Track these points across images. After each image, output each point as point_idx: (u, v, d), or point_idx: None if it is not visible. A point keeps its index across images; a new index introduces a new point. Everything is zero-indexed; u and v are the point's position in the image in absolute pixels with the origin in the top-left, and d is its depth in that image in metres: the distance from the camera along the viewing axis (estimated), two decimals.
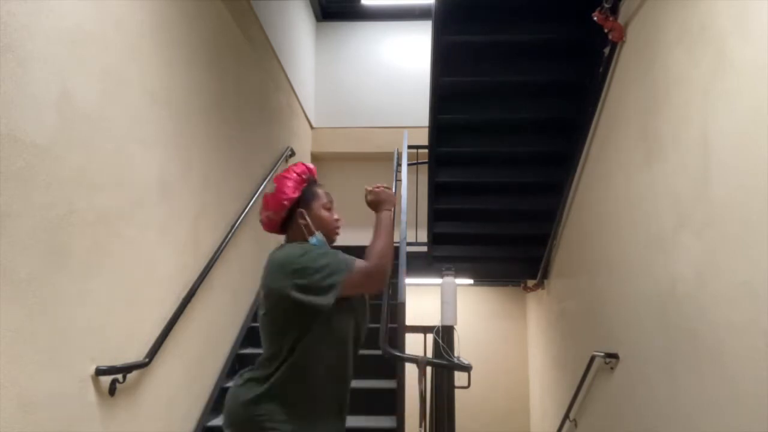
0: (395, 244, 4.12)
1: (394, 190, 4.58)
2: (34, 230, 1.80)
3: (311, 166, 1.80)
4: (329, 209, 1.76)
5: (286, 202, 1.69)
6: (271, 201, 1.70)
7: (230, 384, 3.46)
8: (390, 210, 1.74)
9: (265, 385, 1.56)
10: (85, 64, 2.10)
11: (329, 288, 1.52)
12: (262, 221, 1.76)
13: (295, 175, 1.72)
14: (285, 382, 1.56)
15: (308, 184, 1.75)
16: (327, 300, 1.52)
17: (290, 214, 1.71)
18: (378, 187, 1.78)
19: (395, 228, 4.37)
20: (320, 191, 1.77)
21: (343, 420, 1.69)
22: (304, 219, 1.69)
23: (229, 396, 1.66)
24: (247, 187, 4.18)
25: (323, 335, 1.58)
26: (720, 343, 2.09)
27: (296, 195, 1.70)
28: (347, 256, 1.59)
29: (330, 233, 1.74)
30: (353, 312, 1.66)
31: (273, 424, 1.53)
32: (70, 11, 2.00)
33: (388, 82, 7.26)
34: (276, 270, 1.58)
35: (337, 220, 1.78)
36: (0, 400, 1.65)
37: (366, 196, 1.77)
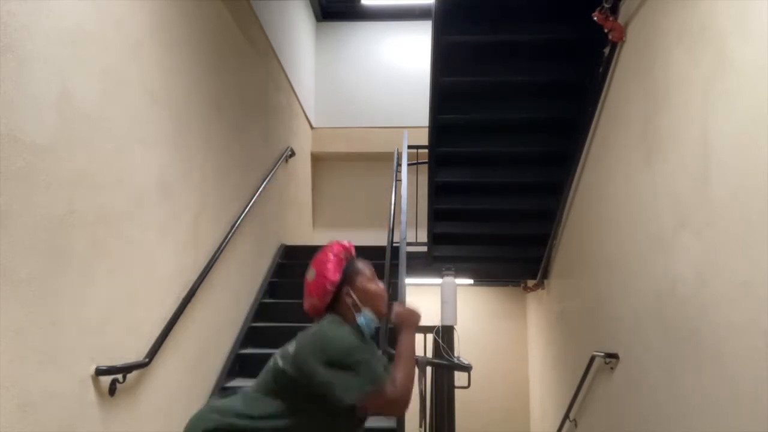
0: (395, 245, 4.12)
1: (394, 196, 4.59)
2: (34, 230, 1.80)
3: (347, 243, 1.75)
4: (374, 281, 1.72)
5: (329, 287, 1.64)
6: (314, 288, 1.65)
7: (230, 384, 3.48)
8: (412, 334, 1.70)
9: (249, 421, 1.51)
10: (85, 64, 2.10)
11: (348, 397, 1.47)
12: (306, 309, 1.70)
13: (332, 256, 1.68)
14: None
15: (347, 261, 1.71)
16: (340, 403, 1.47)
17: (335, 296, 1.67)
18: (404, 308, 1.75)
19: (396, 229, 4.38)
20: (360, 265, 1.72)
21: None
22: (351, 297, 1.65)
23: (203, 414, 1.59)
24: (248, 187, 4.18)
25: (318, 416, 1.53)
26: (720, 343, 2.09)
27: (338, 277, 1.66)
28: (382, 372, 1.52)
29: (379, 306, 1.70)
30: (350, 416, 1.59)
31: None
32: (70, 11, 2.00)
33: (388, 82, 7.26)
34: (319, 343, 1.54)
35: (383, 290, 1.73)
36: (0, 400, 1.65)
37: (392, 314, 1.74)
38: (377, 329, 1.68)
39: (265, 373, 1.61)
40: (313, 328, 1.60)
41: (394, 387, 1.52)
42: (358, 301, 1.65)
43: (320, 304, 1.66)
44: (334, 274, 1.65)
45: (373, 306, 1.68)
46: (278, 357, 1.60)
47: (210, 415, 1.56)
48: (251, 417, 1.52)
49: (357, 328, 1.63)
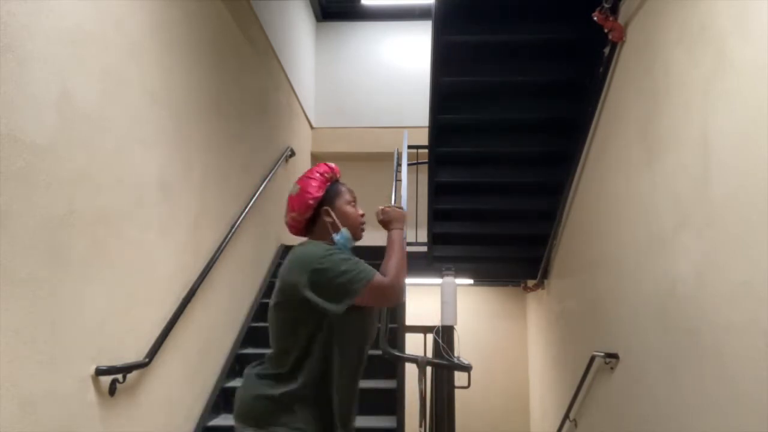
0: None
1: (394, 199, 4.59)
2: (34, 230, 1.80)
3: (333, 165, 1.80)
4: (353, 205, 1.79)
5: (311, 202, 1.70)
6: (296, 202, 1.71)
7: (230, 384, 3.48)
8: (401, 228, 1.78)
9: (281, 388, 1.55)
10: (85, 64, 2.10)
11: (344, 295, 1.53)
12: (287, 223, 1.76)
13: (318, 174, 1.74)
14: (302, 385, 1.54)
15: (331, 182, 1.77)
16: (338, 308, 1.52)
17: (315, 214, 1.73)
18: (388, 207, 1.82)
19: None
20: (343, 188, 1.79)
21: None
22: (330, 216, 1.71)
23: (242, 389, 1.65)
24: (248, 187, 4.18)
25: (338, 334, 1.58)
26: (720, 343, 2.09)
27: (321, 194, 1.72)
28: (368, 267, 1.59)
29: (355, 228, 1.76)
30: (364, 314, 1.66)
31: (285, 428, 1.52)
32: (70, 11, 2.00)
33: (388, 82, 7.26)
34: (296, 265, 1.59)
35: (362, 215, 1.80)
36: (0, 400, 1.65)
37: (377, 215, 1.81)
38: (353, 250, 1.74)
39: (271, 331, 1.65)
40: (292, 251, 1.66)
41: (386, 274, 1.59)
42: (336, 221, 1.71)
43: (300, 219, 1.72)
44: (317, 191, 1.70)
45: (350, 228, 1.73)
46: (270, 305, 1.65)
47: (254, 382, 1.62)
48: (280, 375, 1.57)
49: (334, 246, 1.67)
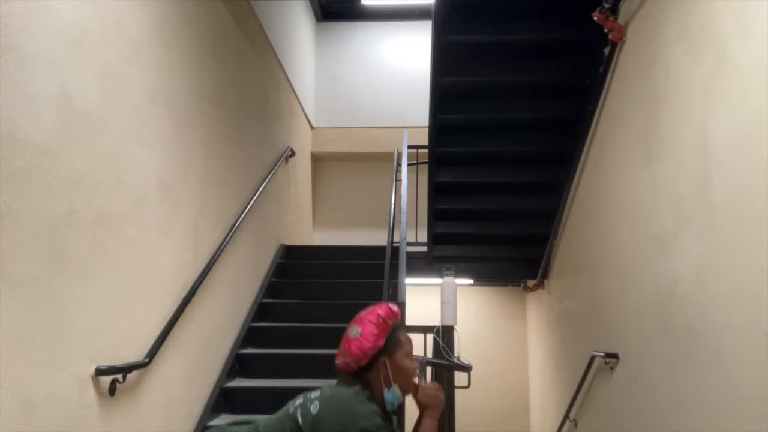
0: (395, 245, 4.12)
1: (394, 200, 4.58)
2: (34, 230, 1.80)
3: (395, 308, 1.69)
4: (411, 358, 1.68)
5: (370, 352, 1.59)
6: (353, 347, 1.59)
7: (230, 384, 3.48)
8: (436, 418, 1.67)
9: None
10: (85, 64, 2.10)
11: None
12: (338, 365, 1.65)
13: (380, 320, 1.63)
14: None
15: (392, 329, 1.66)
16: None
17: (371, 361, 1.62)
18: (431, 389, 1.71)
19: (396, 229, 4.37)
20: (403, 338, 1.68)
21: None
22: (386, 370, 1.60)
23: None
24: (248, 187, 4.18)
25: None
26: (720, 343, 2.09)
27: (381, 344, 1.61)
28: None
29: (409, 385, 1.67)
30: None
31: None
32: (70, 11, 2.00)
33: (388, 82, 7.26)
34: (343, 417, 1.51)
35: (417, 368, 1.70)
36: (0, 400, 1.65)
37: (417, 393, 1.70)
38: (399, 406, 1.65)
39: (281, 420, 1.58)
40: (339, 395, 1.56)
41: None
42: (391, 375, 1.60)
43: (354, 366, 1.61)
44: (377, 340, 1.60)
45: (403, 383, 1.63)
46: (298, 412, 1.55)
47: None
48: None
49: (381, 403, 1.58)
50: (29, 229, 1.78)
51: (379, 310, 1.65)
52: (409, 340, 1.69)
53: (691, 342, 2.31)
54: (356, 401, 1.54)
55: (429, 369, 3.28)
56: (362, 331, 1.60)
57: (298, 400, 1.60)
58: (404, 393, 1.65)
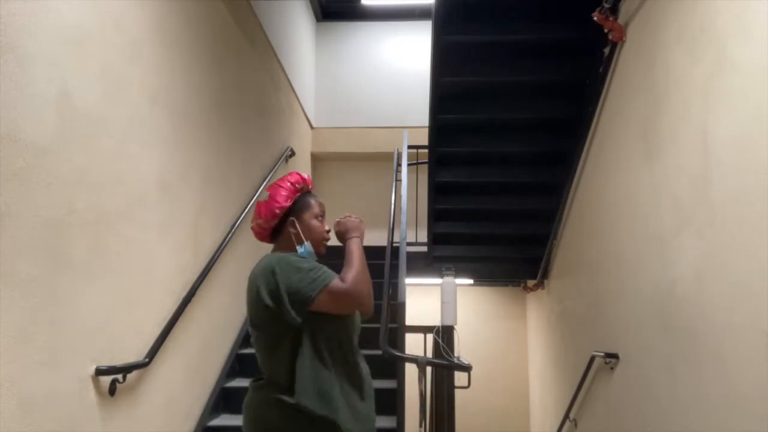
0: (395, 245, 4.12)
1: (393, 200, 4.58)
2: (34, 230, 1.80)
3: (306, 175, 1.80)
4: (320, 219, 1.78)
5: (277, 211, 1.70)
6: (263, 209, 1.71)
7: (230, 384, 3.48)
8: (357, 237, 1.75)
9: (290, 397, 1.53)
10: (85, 64, 2.10)
11: (298, 304, 1.52)
12: (252, 228, 1.77)
13: (288, 184, 1.73)
14: (314, 378, 1.53)
15: (302, 193, 1.77)
16: (294, 317, 1.51)
17: (282, 223, 1.72)
18: (343, 218, 1.81)
19: (396, 229, 4.36)
20: (313, 201, 1.78)
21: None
22: (295, 228, 1.71)
23: (249, 400, 1.64)
24: (247, 187, 4.18)
25: (319, 333, 1.57)
26: (720, 343, 2.09)
27: (288, 204, 1.71)
28: (325, 273, 1.57)
29: (318, 243, 1.75)
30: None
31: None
32: (70, 11, 2.00)
33: (388, 82, 7.26)
34: (256, 280, 1.59)
35: (327, 231, 1.79)
36: (0, 400, 1.65)
37: (333, 228, 1.80)
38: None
39: (259, 355, 1.66)
40: (252, 271, 1.65)
41: (343, 281, 1.57)
42: (300, 233, 1.70)
43: (265, 226, 1.72)
44: (285, 200, 1.70)
45: (313, 242, 1.73)
46: (250, 328, 1.66)
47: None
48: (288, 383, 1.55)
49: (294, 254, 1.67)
50: (29, 229, 1.78)
51: (290, 176, 1.77)
52: (321, 205, 1.80)
53: (691, 342, 2.31)
54: (267, 257, 1.66)
55: (429, 369, 3.28)
56: (271, 194, 1.72)
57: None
58: (316, 252, 1.74)
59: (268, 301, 1.53)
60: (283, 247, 1.72)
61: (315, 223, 1.75)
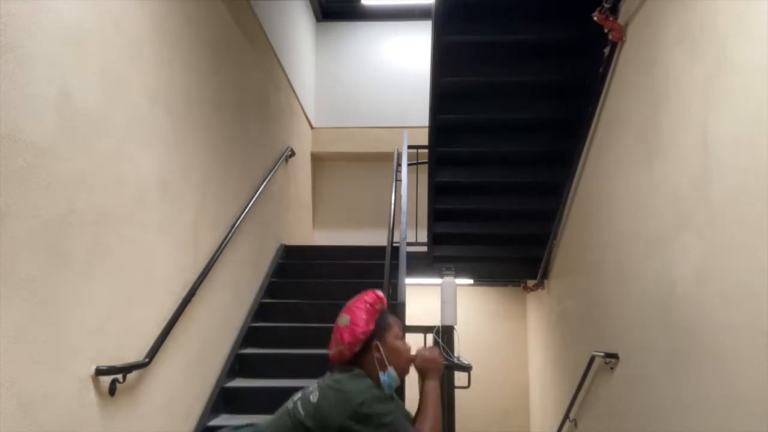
0: (395, 245, 4.12)
1: (393, 200, 4.57)
2: (34, 230, 1.80)
3: (381, 294, 1.71)
4: (402, 339, 1.70)
5: (362, 336, 1.59)
6: (346, 335, 1.60)
7: (230, 384, 3.48)
8: (437, 381, 1.67)
9: None
10: (85, 63, 2.10)
11: None
12: (331, 356, 1.65)
13: (368, 305, 1.64)
14: None
15: (380, 314, 1.68)
16: None
17: (363, 347, 1.61)
18: (428, 353, 1.71)
19: (396, 229, 4.37)
20: (392, 321, 1.69)
21: None
22: (379, 352, 1.60)
23: None
24: (248, 187, 4.18)
25: None
26: (720, 343, 2.09)
27: (372, 327, 1.62)
28: (407, 426, 1.51)
29: (404, 366, 1.67)
30: None
31: None
32: (70, 11, 2.00)
33: (388, 82, 7.26)
34: (340, 402, 1.50)
35: (410, 349, 1.71)
36: (0, 400, 1.65)
37: (415, 360, 1.69)
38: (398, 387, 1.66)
39: (281, 418, 1.57)
40: (336, 380, 1.57)
41: None
42: (384, 358, 1.60)
43: (348, 353, 1.61)
44: (367, 324, 1.61)
45: (398, 365, 1.63)
46: (298, 405, 1.54)
47: None
48: None
49: (378, 385, 1.57)
50: (29, 229, 1.78)
51: (366, 296, 1.68)
52: (398, 322, 1.71)
53: (691, 342, 2.31)
54: (354, 381, 1.55)
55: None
56: (352, 318, 1.62)
57: (297, 395, 1.59)
58: (400, 375, 1.65)
59: (353, 428, 1.45)
60: (368, 371, 1.60)
61: (400, 344, 1.66)
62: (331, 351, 1.65)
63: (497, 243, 4.94)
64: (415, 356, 1.70)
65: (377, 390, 1.54)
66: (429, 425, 1.55)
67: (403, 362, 1.66)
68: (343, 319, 1.63)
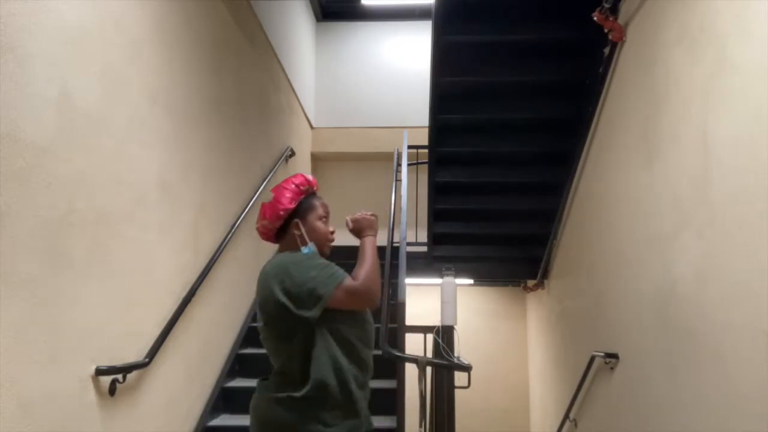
0: (395, 245, 4.11)
1: (393, 201, 4.59)
2: (34, 230, 1.80)
3: (310, 177, 1.82)
4: (324, 221, 1.80)
5: (282, 212, 1.72)
6: (268, 210, 1.74)
7: (230, 384, 3.48)
8: (372, 235, 1.81)
9: (300, 390, 1.55)
10: (85, 64, 2.10)
11: (315, 301, 1.56)
12: (258, 229, 1.79)
13: (293, 186, 1.75)
14: (315, 385, 1.55)
15: (306, 195, 1.79)
16: (312, 313, 1.55)
17: (286, 224, 1.75)
18: (359, 215, 1.85)
19: (396, 229, 4.36)
20: (317, 203, 1.80)
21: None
22: (299, 230, 1.73)
23: (256, 399, 1.66)
24: (247, 187, 4.18)
25: (336, 317, 1.61)
26: (720, 343, 2.09)
27: (293, 206, 1.74)
28: (338, 271, 1.62)
29: (323, 245, 1.78)
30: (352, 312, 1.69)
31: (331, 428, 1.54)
32: (70, 11, 2.00)
33: (388, 82, 7.26)
34: (268, 279, 1.62)
35: (331, 232, 1.82)
36: (0, 400, 1.65)
37: (347, 225, 1.84)
38: None
39: (269, 351, 1.67)
40: (262, 271, 1.67)
41: (355, 279, 1.63)
42: (305, 235, 1.72)
43: (270, 227, 1.74)
44: (289, 202, 1.73)
45: (317, 243, 1.75)
46: (259, 327, 1.67)
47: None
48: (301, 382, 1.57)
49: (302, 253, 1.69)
50: (29, 229, 1.78)
51: (294, 178, 1.79)
52: (325, 206, 1.82)
53: (691, 342, 2.31)
54: (278, 258, 1.68)
55: (429, 369, 3.28)
56: (276, 195, 1.74)
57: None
58: (321, 253, 1.76)
59: (283, 298, 1.55)
60: (288, 248, 1.74)
61: (319, 224, 1.77)
62: (257, 225, 1.79)
63: (497, 243, 4.94)
64: (345, 223, 1.84)
65: (302, 254, 1.67)
66: (365, 270, 1.67)
67: (322, 241, 1.78)
68: (269, 196, 1.77)
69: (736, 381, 1.99)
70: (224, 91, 3.70)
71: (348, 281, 1.61)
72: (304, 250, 1.70)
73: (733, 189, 2.02)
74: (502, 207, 4.60)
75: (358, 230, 1.83)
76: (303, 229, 1.73)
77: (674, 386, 2.45)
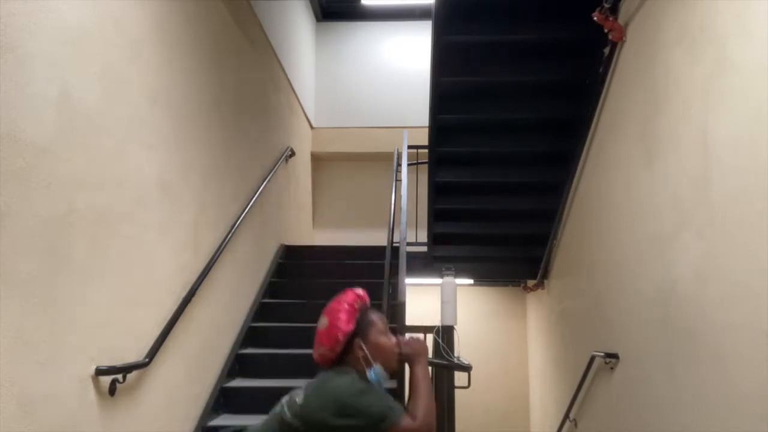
0: (395, 245, 4.12)
1: (394, 199, 4.59)
2: (34, 230, 1.80)
3: (361, 292, 1.71)
4: (387, 335, 1.69)
5: (341, 337, 1.59)
6: (324, 337, 1.61)
7: (230, 384, 3.48)
8: (425, 364, 1.69)
9: None
10: (85, 64, 2.10)
11: None
12: (315, 358, 1.66)
13: (346, 306, 1.64)
14: None
15: (361, 312, 1.67)
16: None
17: (346, 346, 1.62)
18: (410, 339, 1.74)
19: (396, 229, 4.36)
20: (375, 318, 1.69)
21: None
22: (363, 351, 1.61)
23: None
24: (248, 187, 4.18)
25: None
26: (720, 343, 2.09)
27: (351, 327, 1.61)
28: (397, 409, 1.52)
29: (390, 361, 1.67)
30: None
31: None
32: (70, 11, 2.00)
33: (388, 82, 7.26)
34: (327, 400, 1.52)
35: (396, 344, 1.70)
36: (0, 400, 1.65)
37: (400, 348, 1.70)
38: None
39: (270, 421, 1.58)
40: (320, 379, 1.58)
41: (414, 419, 1.50)
42: (369, 355, 1.60)
43: (330, 355, 1.62)
44: (347, 324, 1.60)
45: (384, 361, 1.64)
46: (285, 407, 1.55)
47: None
48: None
49: (365, 379, 1.59)
50: (29, 229, 1.78)
51: (345, 296, 1.68)
52: (382, 318, 1.71)
53: (691, 342, 2.31)
54: (337, 378, 1.57)
55: (429, 369, 3.28)
56: (330, 320, 1.62)
57: (285, 398, 1.60)
58: (388, 370, 1.66)
59: (338, 423, 1.47)
60: (352, 368, 1.61)
61: (383, 340, 1.66)
62: (314, 354, 1.66)
63: (497, 243, 4.94)
64: (398, 342, 1.70)
65: (361, 383, 1.55)
66: (423, 405, 1.56)
67: (389, 357, 1.66)
68: (322, 321, 1.64)
69: (736, 381, 1.99)
70: (224, 91, 3.70)
71: (406, 422, 1.49)
72: (370, 375, 1.59)
73: (733, 189, 2.02)
74: (502, 207, 4.59)
75: (409, 356, 1.69)
76: (366, 350, 1.61)
77: (674, 386, 2.45)
